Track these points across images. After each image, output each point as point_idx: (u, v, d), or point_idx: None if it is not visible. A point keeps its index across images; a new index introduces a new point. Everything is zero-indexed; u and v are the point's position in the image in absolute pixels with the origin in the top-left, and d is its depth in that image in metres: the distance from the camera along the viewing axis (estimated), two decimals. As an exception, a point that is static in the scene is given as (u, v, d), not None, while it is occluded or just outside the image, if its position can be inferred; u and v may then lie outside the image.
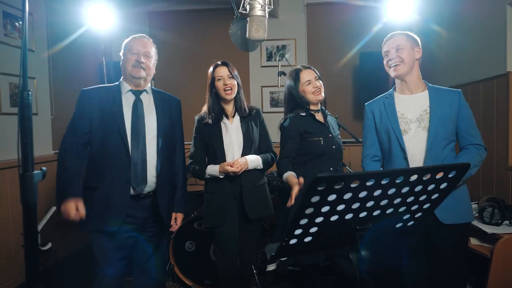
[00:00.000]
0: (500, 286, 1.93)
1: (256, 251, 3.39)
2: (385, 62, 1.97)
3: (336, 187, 0.98)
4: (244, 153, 2.30)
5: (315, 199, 0.99)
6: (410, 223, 1.29)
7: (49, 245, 1.24)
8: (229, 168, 2.15)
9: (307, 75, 2.30)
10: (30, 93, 1.28)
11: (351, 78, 4.58)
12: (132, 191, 1.97)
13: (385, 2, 3.62)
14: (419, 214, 1.26)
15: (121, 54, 2.10)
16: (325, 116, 2.37)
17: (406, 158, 1.92)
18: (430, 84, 1.96)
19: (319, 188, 0.96)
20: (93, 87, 2.06)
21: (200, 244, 3.11)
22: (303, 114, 2.30)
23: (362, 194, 1.04)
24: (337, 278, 2.71)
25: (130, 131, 1.98)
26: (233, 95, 2.31)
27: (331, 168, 2.26)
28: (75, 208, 1.86)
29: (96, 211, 1.93)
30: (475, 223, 2.17)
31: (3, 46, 3.15)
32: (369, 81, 4.09)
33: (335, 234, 1.18)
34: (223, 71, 2.30)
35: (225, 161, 2.27)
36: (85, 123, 1.96)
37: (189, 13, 4.85)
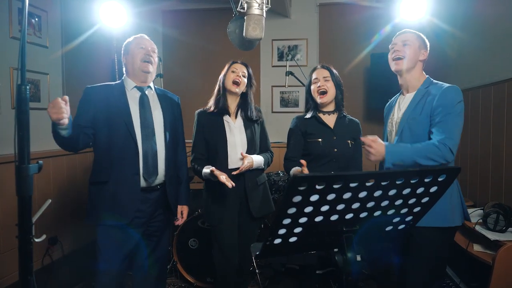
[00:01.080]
0: (501, 294, 1.88)
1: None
2: (389, 55, 1.95)
3: (318, 187, 0.97)
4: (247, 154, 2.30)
5: (296, 199, 0.98)
6: (401, 227, 1.27)
7: (43, 237, 1.26)
8: (222, 179, 2.07)
9: (317, 74, 2.29)
10: (28, 87, 1.32)
11: (362, 79, 4.53)
12: (143, 183, 2.02)
13: (398, 2, 3.56)
14: (409, 218, 1.24)
15: (123, 53, 2.15)
16: (339, 119, 2.30)
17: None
18: (428, 83, 1.88)
19: (300, 188, 0.95)
20: (97, 84, 2.11)
21: (203, 241, 3.13)
22: (308, 116, 2.30)
23: (347, 195, 1.03)
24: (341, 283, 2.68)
25: (140, 125, 2.03)
26: (239, 90, 2.31)
27: (332, 172, 2.21)
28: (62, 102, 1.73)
29: (106, 205, 1.97)
30: (479, 228, 2.12)
31: (17, 42, 3.24)
32: (380, 83, 4.03)
33: (322, 235, 1.17)
34: (240, 67, 2.34)
35: (227, 160, 2.28)
36: (88, 118, 1.99)
37: (201, 11, 4.88)
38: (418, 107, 1.82)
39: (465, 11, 3.16)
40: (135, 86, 2.10)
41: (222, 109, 2.32)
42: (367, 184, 1.02)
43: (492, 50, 2.83)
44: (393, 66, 1.92)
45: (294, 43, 4.75)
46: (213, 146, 2.31)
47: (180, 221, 2.31)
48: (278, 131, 4.10)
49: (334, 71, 2.32)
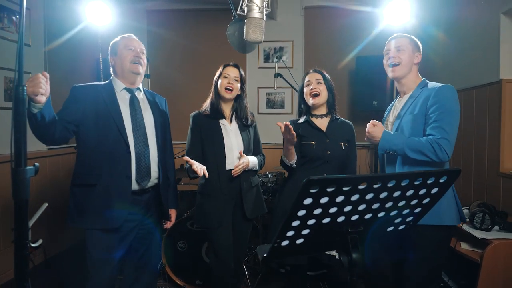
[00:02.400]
0: (489, 291, 1.95)
1: (248, 252, 3.40)
2: (384, 61, 1.96)
3: (329, 190, 0.99)
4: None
5: (307, 201, 1.00)
6: (401, 227, 1.30)
7: (40, 241, 1.23)
8: (195, 167, 2.07)
9: (309, 77, 2.32)
10: (25, 88, 1.28)
11: (347, 82, 4.60)
12: (135, 186, 1.98)
13: (383, 7, 3.64)
14: (410, 218, 1.27)
15: (110, 53, 2.10)
16: (332, 122, 2.33)
17: (384, 157, 1.99)
18: (423, 84, 1.90)
19: (312, 191, 0.97)
20: (85, 84, 2.05)
21: (192, 244, 3.11)
22: (301, 121, 2.34)
23: (355, 197, 1.05)
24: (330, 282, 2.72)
25: (131, 127, 1.99)
26: (232, 96, 2.32)
27: (325, 174, 2.24)
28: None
29: (96, 209, 1.91)
30: (466, 227, 2.19)
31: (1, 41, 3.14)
32: (365, 85, 4.11)
33: (327, 236, 1.18)
34: (231, 71, 2.32)
35: (225, 163, 2.27)
36: (74, 115, 1.91)
37: (187, 12, 4.86)
38: (412, 106, 1.85)
39: (448, 16, 3.25)
40: (125, 88, 2.06)
41: (217, 113, 2.32)
42: (375, 186, 1.04)
43: (475, 54, 2.93)
44: (390, 73, 1.94)
45: (280, 45, 4.78)
46: (211, 148, 2.29)
47: (168, 225, 2.30)
48: (264, 132, 4.09)
49: (327, 75, 2.35)
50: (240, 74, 2.35)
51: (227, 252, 2.27)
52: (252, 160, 2.29)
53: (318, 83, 2.29)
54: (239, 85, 2.33)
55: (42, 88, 1.63)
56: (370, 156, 4.62)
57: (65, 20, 3.86)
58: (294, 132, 2.01)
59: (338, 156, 2.25)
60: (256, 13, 1.52)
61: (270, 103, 4.80)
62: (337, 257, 2.11)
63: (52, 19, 3.75)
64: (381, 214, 1.18)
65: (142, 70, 2.07)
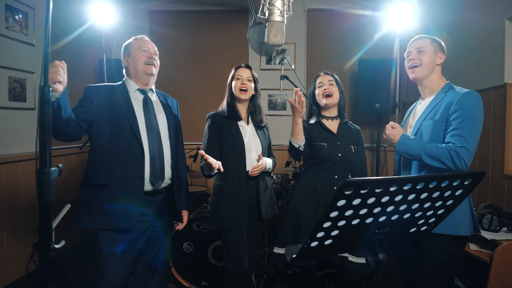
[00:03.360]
0: (498, 291, 1.99)
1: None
2: (405, 64, 1.94)
3: (362, 191, 1.00)
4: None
5: (341, 202, 1.01)
6: (423, 228, 1.32)
7: (63, 242, 1.23)
8: (211, 160, 2.05)
9: (321, 79, 2.35)
10: (50, 89, 1.28)
11: (349, 84, 4.64)
12: (149, 188, 1.99)
13: (386, 11, 3.69)
14: (433, 220, 1.29)
15: (123, 54, 2.11)
16: (342, 125, 2.37)
17: (400, 160, 2.00)
18: (447, 88, 1.86)
19: (347, 192, 0.98)
20: (98, 84, 2.06)
21: (198, 245, 3.11)
22: (312, 122, 2.37)
23: (385, 199, 1.07)
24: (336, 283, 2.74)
25: (145, 128, 1.99)
26: (247, 97, 2.33)
27: (336, 176, 2.28)
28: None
29: (107, 209, 1.90)
30: (474, 229, 2.22)
31: (3, 39, 3.12)
32: (368, 88, 4.14)
33: (354, 237, 1.20)
34: (243, 72, 2.34)
35: (245, 163, 2.28)
36: (87, 114, 1.90)
37: (189, 13, 4.87)
38: (434, 111, 1.81)
39: (451, 20, 3.30)
40: (138, 89, 2.07)
41: (235, 114, 2.32)
42: (405, 188, 1.06)
43: (479, 58, 2.97)
44: (410, 75, 1.91)
45: (282, 47, 4.79)
46: (231, 149, 2.27)
47: (180, 226, 2.30)
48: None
49: (337, 77, 2.38)
50: (253, 74, 2.36)
51: (243, 253, 2.27)
52: (268, 162, 2.32)
53: (331, 84, 2.34)
54: (253, 85, 2.34)
55: (61, 76, 1.64)
56: (371, 159, 4.65)
57: (70, 20, 3.85)
58: (303, 99, 2.05)
59: (349, 159, 2.29)
60: (277, 17, 1.53)
61: (272, 105, 4.82)
62: (349, 258, 2.13)
63: (57, 19, 3.72)
64: (407, 216, 1.19)
65: (155, 71, 2.09)
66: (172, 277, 3.14)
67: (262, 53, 2.19)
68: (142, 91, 2.08)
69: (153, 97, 2.14)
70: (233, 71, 2.37)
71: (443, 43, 1.91)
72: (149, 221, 2.03)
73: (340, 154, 2.26)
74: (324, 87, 2.31)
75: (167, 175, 2.06)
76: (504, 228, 2.18)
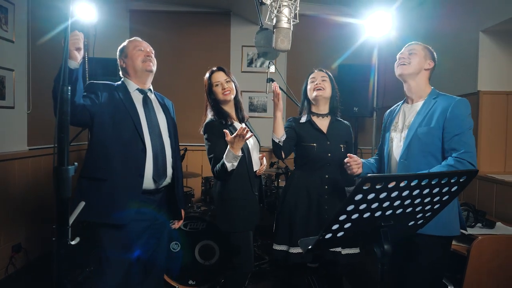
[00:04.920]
0: (476, 281, 2.16)
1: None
2: (395, 64, 2.02)
3: (377, 187, 1.10)
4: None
5: (358, 197, 1.11)
6: (420, 222, 1.45)
7: (77, 239, 1.24)
8: (241, 130, 2.05)
9: (314, 75, 2.43)
10: (69, 88, 1.30)
11: (328, 88, 4.79)
12: (151, 186, 2.02)
13: (365, 19, 3.86)
14: (429, 214, 1.41)
15: (120, 56, 2.14)
16: (332, 123, 2.42)
17: (388, 165, 2.08)
18: (435, 94, 1.96)
19: (364, 187, 1.08)
20: (99, 81, 2.06)
21: (186, 245, 3.14)
22: (303, 121, 2.41)
23: (394, 193, 1.17)
24: (321, 278, 2.85)
25: (147, 127, 2.02)
26: (232, 96, 2.38)
27: (326, 176, 2.33)
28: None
29: (104, 203, 1.90)
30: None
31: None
32: (347, 92, 4.26)
33: (363, 229, 1.30)
34: (219, 76, 2.37)
35: (252, 164, 2.35)
36: (93, 105, 1.91)
37: (170, 14, 4.89)
38: (428, 118, 1.89)
39: (428, 30, 3.51)
40: (137, 88, 2.10)
41: (226, 117, 2.35)
42: (412, 184, 1.17)
43: (454, 67, 3.17)
44: (396, 71, 2.00)
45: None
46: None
47: (177, 225, 2.33)
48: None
49: (331, 74, 2.47)
50: (227, 74, 2.40)
51: (253, 251, 2.40)
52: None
53: (323, 80, 2.39)
54: (232, 85, 2.39)
55: (82, 42, 1.71)
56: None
57: (50, 17, 3.76)
58: (278, 91, 2.19)
59: (338, 158, 2.31)
60: (285, 24, 1.62)
61: (253, 107, 4.91)
62: (343, 252, 2.24)
63: (37, 16, 3.65)
64: (409, 210, 1.31)
65: (154, 68, 2.14)
66: (159, 277, 3.15)
67: (269, 57, 2.25)
68: (141, 91, 2.11)
69: (152, 97, 2.17)
70: (207, 77, 2.39)
71: (435, 54, 2.01)
72: (150, 219, 2.06)
73: (330, 154, 2.32)
74: (316, 82, 2.37)
75: (168, 174, 2.10)
76: (479, 224, 2.37)
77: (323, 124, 2.41)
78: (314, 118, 2.41)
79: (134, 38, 2.20)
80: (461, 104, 1.88)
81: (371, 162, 2.25)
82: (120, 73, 2.17)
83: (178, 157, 2.26)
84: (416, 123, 1.93)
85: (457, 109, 1.86)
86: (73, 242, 1.35)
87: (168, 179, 2.11)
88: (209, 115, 2.39)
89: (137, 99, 2.08)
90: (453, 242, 2.35)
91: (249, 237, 2.34)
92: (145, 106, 2.08)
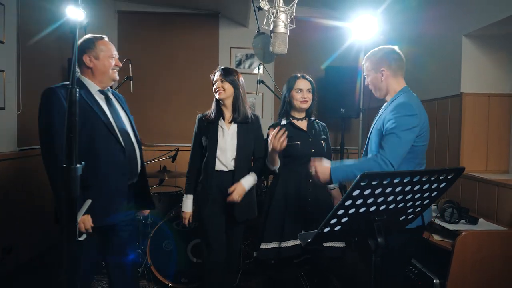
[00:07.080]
0: (460, 274, 2.27)
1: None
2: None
3: (373, 183, 1.19)
4: (236, 159, 2.44)
5: (355, 192, 1.19)
6: (410, 217, 1.54)
7: (84, 236, 1.28)
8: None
9: (301, 84, 2.53)
10: (77, 90, 1.35)
11: (316, 90, 4.88)
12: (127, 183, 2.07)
13: (352, 22, 3.97)
14: (419, 209, 1.51)
15: (87, 51, 2.00)
16: (310, 124, 2.58)
17: None
18: (397, 95, 1.98)
19: (362, 184, 1.16)
20: (58, 84, 1.95)
21: (178, 243, 3.19)
22: (284, 123, 2.55)
23: (388, 189, 1.26)
24: (311, 271, 2.93)
25: (115, 126, 2.02)
26: (224, 96, 2.45)
27: (310, 170, 2.44)
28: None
29: (93, 207, 1.82)
30: (437, 221, 2.51)
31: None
32: (333, 93, 4.41)
33: (357, 224, 1.39)
34: (216, 76, 2.50)
35: (215, 163, 2.43)
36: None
37: (158, 15, 4.92)
38: (379, 120, 1.99)
39: (412, 33, 3.64)
40: (99, 90, 2.05)
41: (218, 115, 2.49)
42: (405, 180, 1.26)
43: (437, 69, 3.31)
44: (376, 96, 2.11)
45: (251, 51, 4.96)
46: (205, 148, 2.47)
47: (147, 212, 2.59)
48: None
49: (314, 84, 2.61)
50: (223, 75, 2.45)
51: (220, 244, 2.51)
52: (247, 183, 2.43)
53: (309, 91, 2.54)
54: (227, 85, 2.44)
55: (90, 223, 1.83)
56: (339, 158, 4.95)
57: (40, 18, 3.76)
58: (284, 144, 2.23)
59: (321, 153, 2.43)
60: (281, 29, 1.69)
61: (242, 108, 4.97)
62: (327, 245, 2.35)
63: (27, 16, 3.64)
64: (401, 205, 1.40)
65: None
66: (152, 275, 3.19)
67: (266, 60, 2.33)
68: (102, 92, 2.07)
69: (110, 95, 2.13)
70: (211, 78, 2.56)
71: (381, 56, 2.00)
72: (130, 215, 2.14)
73: (313, 150, 2.47)
74: (303, 94, 2.50)
75: (139, 169, 2.15)
76: (463, 220, 2.49)
77: (302, 124, 2.57)
78: (294, 121, 2.56)
79: (104, 38, 2.08)
80: (398, 105, 1.90)
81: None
82: (82, 68, 2.03)
83: (141, 152, 2.24)
84: (372, 126, 2.06)
85: (393, 109, 1.90)
86: (80, 239, 1.40)
87: (138, 174, 2.16)
88: (209, 110, 2.56)
89: (101, 100, 2.05)
90: (439, 238, 2.48)
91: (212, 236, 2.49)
92: (109, 106, 2.06)
